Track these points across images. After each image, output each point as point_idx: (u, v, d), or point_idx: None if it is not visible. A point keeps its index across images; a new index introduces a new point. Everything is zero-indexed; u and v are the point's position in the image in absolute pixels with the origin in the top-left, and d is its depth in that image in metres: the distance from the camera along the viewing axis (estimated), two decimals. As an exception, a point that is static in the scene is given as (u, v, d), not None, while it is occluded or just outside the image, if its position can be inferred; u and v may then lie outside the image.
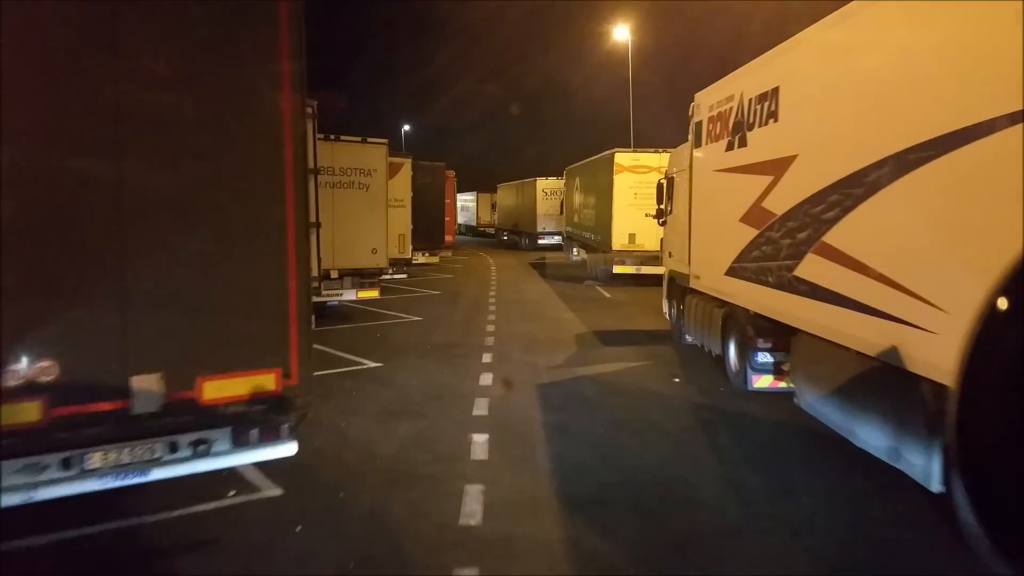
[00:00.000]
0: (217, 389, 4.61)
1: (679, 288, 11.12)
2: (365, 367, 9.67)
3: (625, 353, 10.54)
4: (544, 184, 36.14)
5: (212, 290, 4.63)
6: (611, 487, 5.49)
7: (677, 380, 8.88)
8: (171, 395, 4.45)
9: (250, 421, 4.75)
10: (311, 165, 11.43)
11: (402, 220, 19.04)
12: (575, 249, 27.61)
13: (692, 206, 10.11)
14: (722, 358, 8.95)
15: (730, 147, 8.49)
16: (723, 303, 8.90)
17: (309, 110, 11.42)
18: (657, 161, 18.93)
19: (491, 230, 49.59)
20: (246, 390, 4.69)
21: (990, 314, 1.07)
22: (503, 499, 5.23)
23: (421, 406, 7.72)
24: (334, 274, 13.97)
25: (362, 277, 14.40)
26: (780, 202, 7.03)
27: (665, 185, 12.18)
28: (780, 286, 6.96)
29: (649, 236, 18.96)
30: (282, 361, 4.79)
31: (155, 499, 5.01)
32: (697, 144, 9.88)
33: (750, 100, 7.92)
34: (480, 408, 7.58)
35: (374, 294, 14.56)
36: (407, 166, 19.27)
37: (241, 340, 4.69)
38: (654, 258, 18.84)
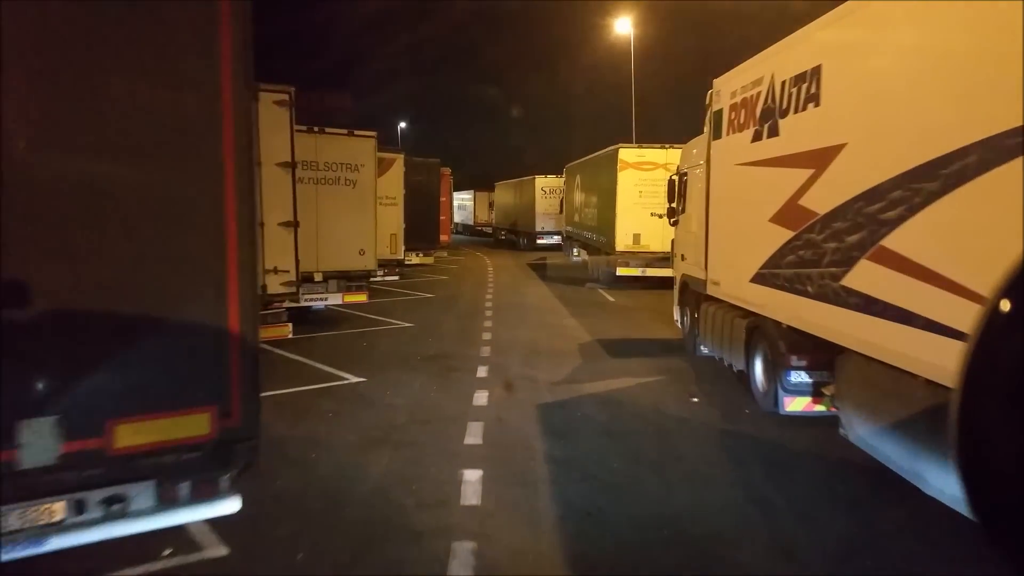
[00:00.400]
0: (133, 435, 3.61)
1: (693, 295, 10.14)
2: (346, 383, 8.67)
3: (634, 366, 9.55)
4: (543, 182, 35.16)
5: (126, 307, 3.63)
6: (632, 548, 4.49)
7: (696, 400, 7.89)
8: (72, 444, 3.45)
9: (179, 473, 3.76)
10: (288, 159, 10.56)
11: (394, 219, 18.09)
12: (575, 249, 26.62)
13: (710, 204, 9.13)
14: (745, 374, 7.97)
15: (757, 137, 7.50)
16: (747, 313, 7.92)
17: (285, 97, 10.48)
18: (664, 157, 17.96)
19: (489, 229, 48.63)
20: (172, 435, 3.69)
21: (992, 317, 1.04)
22: (498, 562, 4.24)
23: (406, 432, 6.73)
24: (318, 276, 12.98)
25: (348, 280, 13.41)
26: (823, 199, 6.04)
27: (676, 182, 11.20)
28: (823, 297, 5.97)
29: (655, 236, 18.00)
30: (219, 397, 3.79)
31: (74, 561, 4.00)
32: (716, 135, 8.89)
33: (783, 83, 6.92)
34: (473, 435, 6.58)
35: (361, 298, 13.57)
36: (399, 162, 18.28)
37: (165, 372, 3.69)
38: (661, 260, 17.88)
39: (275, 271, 9.67)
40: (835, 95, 6.00)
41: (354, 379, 8.82)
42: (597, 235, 20.57)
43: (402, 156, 18.36)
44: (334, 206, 13.10)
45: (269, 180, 9.65)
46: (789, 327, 6.78)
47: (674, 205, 11.37)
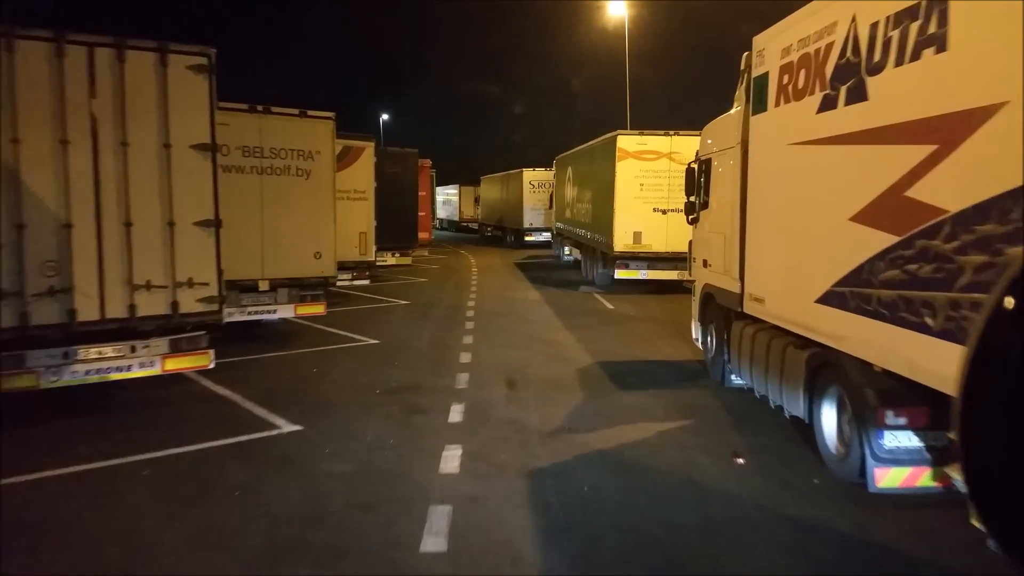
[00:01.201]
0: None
1: (721, 311, 8.13)
2: (274, 434, 6.58)
3: (651, 404, 7.52)
4: (531, 176, 33.09)
5: None
6: None
7: (741, 461, 5.85)
8: None
9: None
10: (207, 140, 8.15)
11: (363, 215, 15.99)
12: (566, 248, 24.59)
13: (748, 197, 7.11)
14: (803, 420, 5.97)
15: (829, 105, 5.47)
16: (807, 342, 5.92)
17: (202, 61, 8.29)
18: (668, 145, 15.93)
19: (475, 225, 46.57)
20: None
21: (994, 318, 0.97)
22: None
23: (337, 527, 4.66)
24: (264, 285, 10.86)
25: (302, 288, 11.29)
26: (954, 189, 4.03)
27: (697, 170, 9.18)
28: (953, 334, 3.97)
29: (658, 235, 15.99)
30: None
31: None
32: (758, 108, 6.86)
33: (874, 26, 4.89)
34: (435, 533, 4.52)
35: (318, 310, 11.46)
36: (369, 151, 16.16)
37: None
38: (665, 261, 15.89)
39: (189, 284, 7.54)
40: (979, 32, 3.97)
41: (287, 427, 6.72)
42: (592, 233, 18.53)
43: (372, 144, 16.25)
44: (283, 201, 10.98)
45: (181, 167, 7.53)
46: (884, 370, 4.77)
47: (693, 199, 9.35)
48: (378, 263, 20.09)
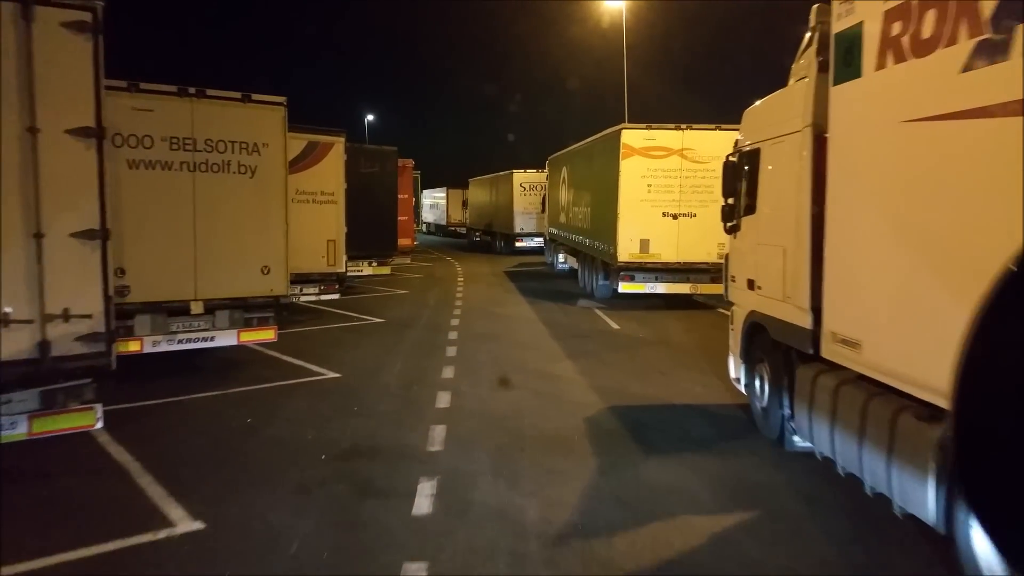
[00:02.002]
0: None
1: (779, 349, 6.18)
2: (163, 537, 4.57)
3: (691, 481, 5.55)
4: (522, 178, 31.15)
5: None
6: None
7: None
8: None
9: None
10: (91, 123, 5.37)
11: (331, 221, 14.09)
12: (561, 256, 22.64)
13: (832, 197, 5.16)
14: (947, 536, 4.03)
15: (986, 55, 3.54)
16: (939, 413, 3.98)
17: (83, 17, 6.01)
18: (679, 141, 14.01)
19: (463, 230, 44.57)
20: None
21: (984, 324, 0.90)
22: None
23: None
24: (197, 308, 8.85)
25: (247, 310, 9.30)
26: None
27: (738, 165, 7.27)
28: None
29: (667, 243, 14.07)
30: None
31: None
32: (845, 73, 4.91)
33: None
34: None
35: (266, 336, 9.48)
36: (338, 148, 14.19)
37: None
38: (675, 272, 13.99)
39: (64, 316, 5.54)
40: None
41: (183, 525, 4.72)
42: (592, 240, 16.58)
43: (342, 140, 14.25)
44: (222, 204, 9.00)
45: (53, 159, 5.53)
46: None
47: (732, 202, 7.44)
48: (351, 274, 18.12)
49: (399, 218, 21.45)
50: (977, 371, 1.07)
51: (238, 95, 9.25)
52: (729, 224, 7.57)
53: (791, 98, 5.98)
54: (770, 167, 6.46)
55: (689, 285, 14.21)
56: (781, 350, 6.10)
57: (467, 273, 23.13)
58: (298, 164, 13.74)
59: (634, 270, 14.17)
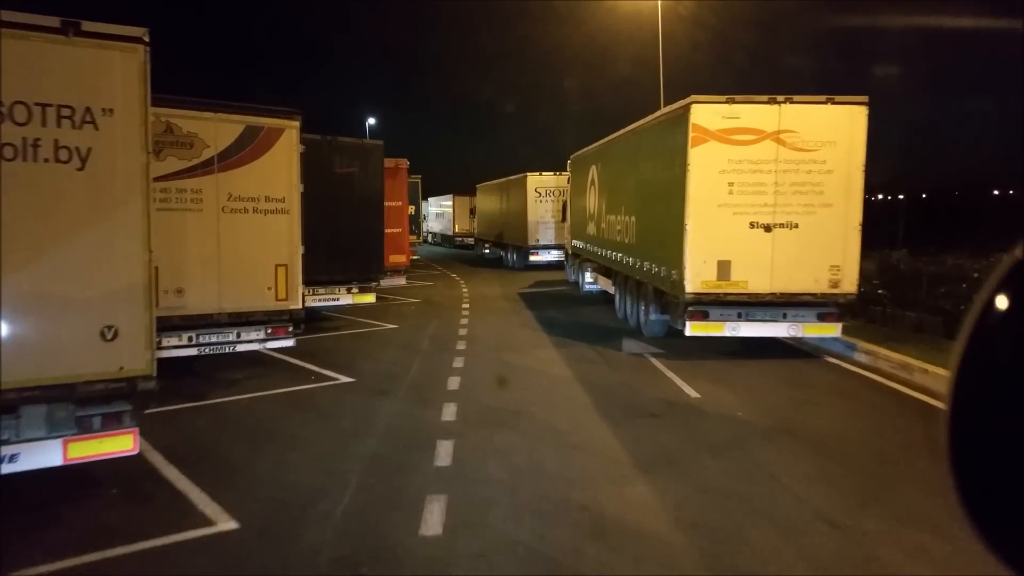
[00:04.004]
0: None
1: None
2: None
3: None
4: (537, 182, 27.04)
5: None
6: None
7: None
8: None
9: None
10: None
11: (281, 238, 10.05)
12: (587, 274, 18.43)
13: None
14: None
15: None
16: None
17: None
18: (775, 120, 9.86)
19: (470, 240, 40.51)
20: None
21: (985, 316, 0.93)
22: None
23: None
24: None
25: (79, 403, 5.24)
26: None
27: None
28: None
29: (758, 265, 9.90)
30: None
31: None
32: None
33: None
34: None
35: (119, 447, 5.39)
36: (290, 136, 10.13)
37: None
38: (769, 307, 9.80)
39: None
40: None
41: None
42: (639, 260, 12.38)
43: (296, 125, 10.15)
44: (26, 218, 4.95)
45: None
46: None
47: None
48: (323, 304, 14.03)
49: (389, 230, 17.35)
50: (976, 368, 0.97)
51: (56, 22, 5.17)
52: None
53: None
54: None
55: (787, 325, 10.01)
56: None
57: (474, 297, 18.95)
58: (231, 158, 9.69)
59: (709, 304, 9.97)
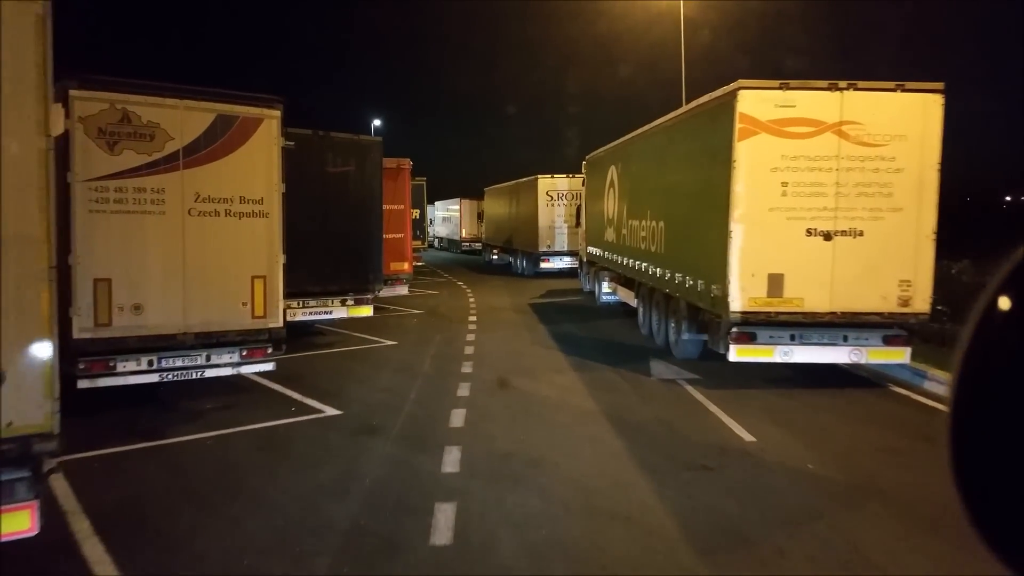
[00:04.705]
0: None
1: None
2: None
3: None
4: (548, 185, 25.62)
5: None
6: None
7: None
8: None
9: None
10: None
11: (259, 245, 8.70)
12: (604, 284, 16.95)
13: None
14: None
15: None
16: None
17: None
18: (836, 110, 8.46)
19: (478, 246, 39.14)
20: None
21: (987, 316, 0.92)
22: None
23: None
24: None
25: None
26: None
27: None
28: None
29: (816, 279, 8.48)
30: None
31: None
32: None
33: None
34: None
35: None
36: (270, 127, 8.82)
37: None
38: (828, 329, 8.36)
39: None
40: None
41: None
42: (671, 271, 10.92)
43: (278, 114, 8.81)
44: None
45: None
46: None
47: None
48: (315, 317, 12.68)
49: (390, 236, 16.00)
50: (979, 369, 0.95)
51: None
52: None
53: None
54: None
55: (848, 349, 8.55)
56: None
57: (482, 308, 17.53)
58: (199, 152, 8.33)
59: (758, 325, 8.52)
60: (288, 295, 11.93)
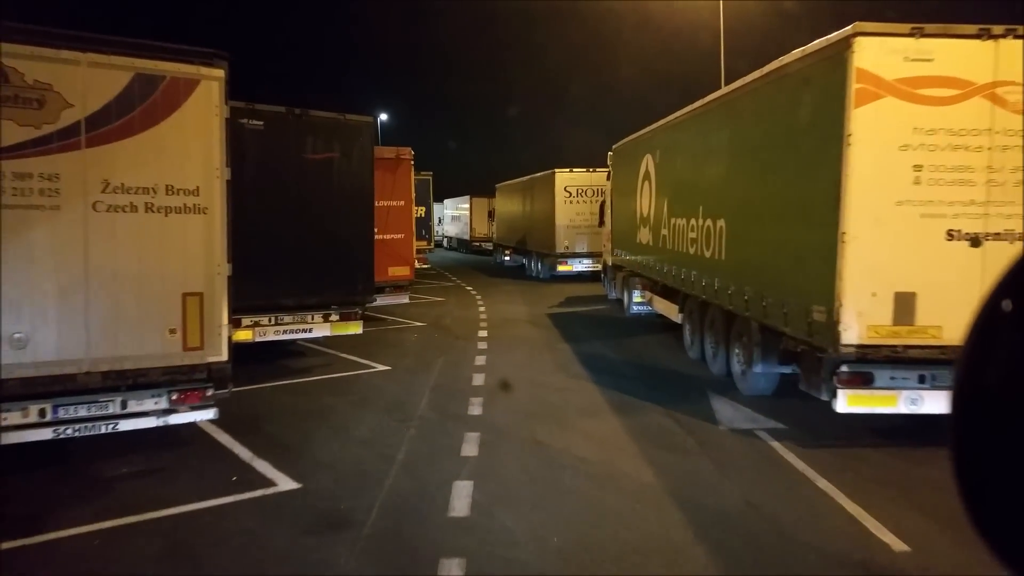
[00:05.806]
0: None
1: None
2: None
3: None
4: (567, 179, 23.30)
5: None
6: None
7: None
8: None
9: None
10: None
11: (193, 251, 6.38)
12: (636, 293, 14.56)
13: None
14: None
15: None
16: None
17: None
18: (989, 66, 6.06)
19: (489, 245, 36.88)
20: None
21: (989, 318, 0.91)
22: None
23: None
24: None
25: None
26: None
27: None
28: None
29: (957, 299, 6.00)
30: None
31: None
32: None
33: None
34: None
35: None
36: (209, 90, 6.51)
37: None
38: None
39: None
40: None
41: None
42: (736, 283, 8.54)
43: (220, 75, 6.54)
44: None
45: None
46: None
47: None
48: (293, 335, 10.46)
49: (388, 236, 13.76)
50: (981, 372, 0.94)
51: None
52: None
53: None
54: None
55: None
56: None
57: (494, 320, 15.20)
58: (109, 125, 6.08)
59: (878, 363, 6.15)
60: (256, 310, 9.84)
